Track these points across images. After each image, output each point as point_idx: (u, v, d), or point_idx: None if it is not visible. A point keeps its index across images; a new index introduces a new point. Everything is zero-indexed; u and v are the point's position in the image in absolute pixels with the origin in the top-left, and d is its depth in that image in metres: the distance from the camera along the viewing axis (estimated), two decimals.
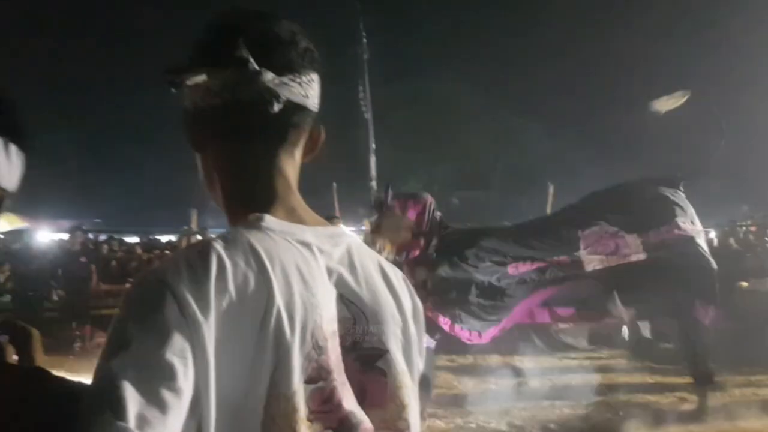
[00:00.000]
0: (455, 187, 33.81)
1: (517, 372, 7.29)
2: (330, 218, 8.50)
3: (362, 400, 0.86)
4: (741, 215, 14.78)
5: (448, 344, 5.97)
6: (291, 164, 0.94)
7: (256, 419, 0.76)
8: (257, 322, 0.77)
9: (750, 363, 7.17)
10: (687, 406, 6.02)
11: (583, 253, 5.23)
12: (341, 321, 0.87)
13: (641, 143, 27.66)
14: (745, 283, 8.47)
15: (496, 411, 5.81)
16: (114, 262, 10.99)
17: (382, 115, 24.13)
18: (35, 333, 4.84)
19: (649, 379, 7.19)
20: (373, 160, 21.39)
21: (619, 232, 5.29)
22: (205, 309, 0.74)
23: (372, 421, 0.86)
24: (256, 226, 0.85)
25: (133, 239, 14.95)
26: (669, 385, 6.83)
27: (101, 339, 8.64)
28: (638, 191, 5.71)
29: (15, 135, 0.88)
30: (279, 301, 0.78)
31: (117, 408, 0.66)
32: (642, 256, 5.26)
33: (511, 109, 31.92)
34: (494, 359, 8.11)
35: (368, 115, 20.99)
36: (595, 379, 6.94)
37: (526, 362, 7.77)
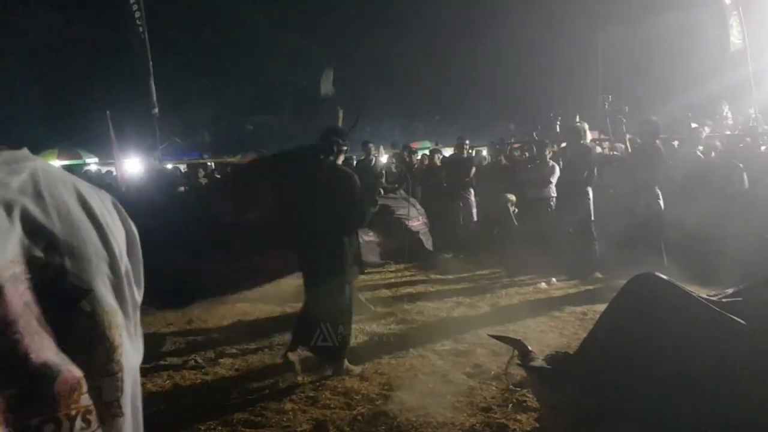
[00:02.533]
0: (249, 113, 33.08)
1: None
2: None
3: (66, 345, 0.78)
4: (509, 134, 16.25)
5: None
6: None
7: None
8: None
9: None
10: (462, 309, 6.62)
11: None
12: (30, 262, 0.76)
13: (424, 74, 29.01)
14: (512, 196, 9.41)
15: None
16: None
17: (164, 36, 22.33)
18: None
19: (431, 288, 7.76)
20: (152, 85, 19.82)
21: None
22: None
23: (80, 366, 0.78)
24: None
25: None
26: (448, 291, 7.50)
27: None
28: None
29: None
30: None
31: None
32: None
33: (301, 33, 31.48)
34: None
35: (145, 35, 19.24)
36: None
37: None
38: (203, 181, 11.79)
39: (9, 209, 0.76)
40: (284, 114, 32.46)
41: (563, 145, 9.85)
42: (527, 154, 11.00)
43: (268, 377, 4.84)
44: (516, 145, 12.56)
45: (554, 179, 8.69)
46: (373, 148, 11.39)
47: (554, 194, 8.72)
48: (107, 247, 0.86)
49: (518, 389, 4.24)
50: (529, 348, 3.61)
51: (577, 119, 9.60)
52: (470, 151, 11.05)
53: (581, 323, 5.88)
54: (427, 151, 13.23)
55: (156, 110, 20.05)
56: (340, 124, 15.33)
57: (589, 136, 8.51)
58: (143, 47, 19.25)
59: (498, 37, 26.92)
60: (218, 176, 13.21)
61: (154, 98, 20.04)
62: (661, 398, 2.70)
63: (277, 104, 33.07)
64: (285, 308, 6.83)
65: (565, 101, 15.46)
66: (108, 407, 0.83)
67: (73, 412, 0.78)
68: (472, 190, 10.24)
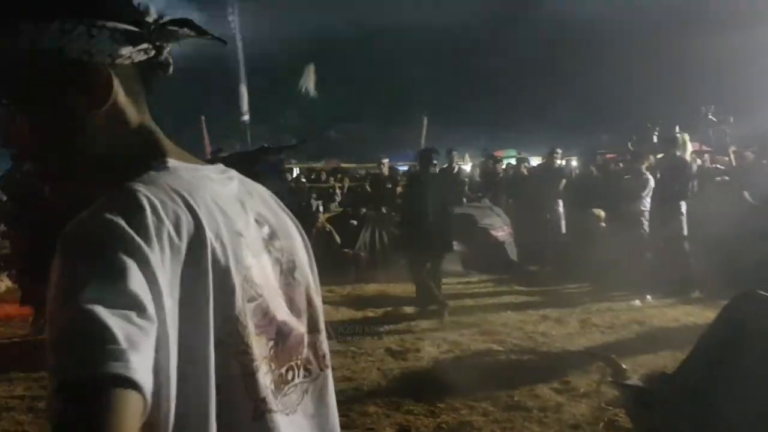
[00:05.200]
0: (333, 120, 33.72)
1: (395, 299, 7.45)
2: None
3: (290, 308, 0.95)
4: (600, 144, 15.75)
5: None
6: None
7: (207, 342, 0.78)
8: (193, 253, 0.78)
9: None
10: (549, 323, 6.42)
11: None
12: (263, 241, 0.94)
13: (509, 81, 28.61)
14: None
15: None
16: None
17: (256, 45, 23.13)
18: None
19: (516, 299, 7.58)
20: (245, 91, 20.53)
21: None
22: (149, 242, 0.73)
23: (300, 326, 0.96)
24: (164, 168, 0.86)
25: None
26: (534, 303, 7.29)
27: None
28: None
29: None
30: (209, 233, 0.80)
31: (106, 335, 0.64)
32: None
33: (386, 40, 31.81)
34: (372, 288, 8.26)
35: (239, 43, 20.01)
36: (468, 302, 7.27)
37: (402, 289, 7.96)
38: (290, 186, 12.05)
39: (240, 202, 0.93)
40: (367, 122, 32.85)
41: (659, 156, 9.42)
42: (621, 164, 10.59)
43: (353, 380, 4.85)
44: (609, 156, 12.14)
45: (647, 192, 8.32)
46: (456, 156, 11.31)
47: (647, 207, 8.35)
48: (298, 231, 1.05)
49: (610, 408, 4.06)
50: (622, 366, 3.47)
51: (677, 130, 9.14)
52: (561, 161, 10.75)
53: (678, 344, 5.57)
54: (512, 160, 13.01)
55: (247, 116, 20.80)
56: (424, 132, 15.38)
57: (689, 147, 8.09)
58: (236, 55, 20.08)
59: (590, 43, 26.26)
60: (303, 180, 13.49)
61: (246, 105, 20.81)
62: (765, 428, 2.52)
63: (360, 111, 33.52)
64: (366, 312, 6.89)
65: (663, 110, 14.81)
66: (321, 360, 1.00)
67: (300, 362, 0.96)
68: (560, 201, 9.94)
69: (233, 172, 0.98)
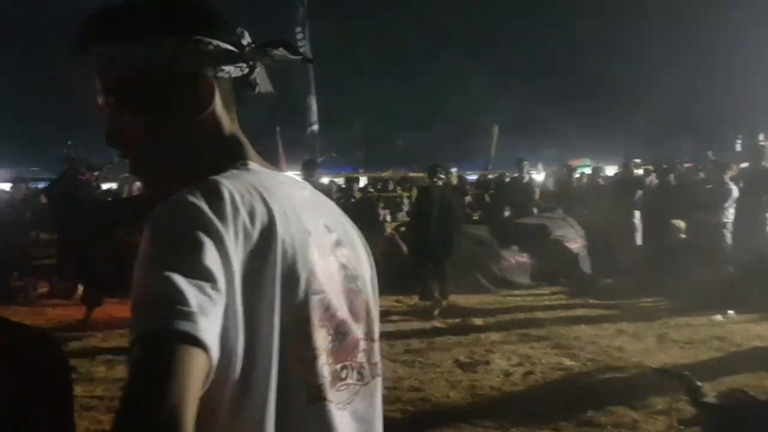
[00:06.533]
0: (400, 129, 33.86)
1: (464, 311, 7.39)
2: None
3: (350, 311, 0.99)
4: (679, 153, 15.17)
5: None
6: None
7: (271, 325, 0.84)
8: (264, 242, 0.84)
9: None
10: (624, 338, 6.21)
11: None
12: (330, 245, 0.99)
13: (582, 85, 27.99)
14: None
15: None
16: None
17: (325, 57, 23.49)
18: None
19: (589, 313, 7.37)
20: (314, 103, 20.89)
21: None
22: (225, 226, 0.81)
23: (357, 331, 1.00)
24: (245, 169, 0.95)
25: None
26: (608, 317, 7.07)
27: (44, 289, 8.60)
28: None
29: None
30: (280, 226, 0.87)
31: (180, 298, 0.72)
32: None
33: (456, 50, 31.71)
34: None
35: (308, 55, 20.37)
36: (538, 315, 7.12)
37: (471, 301, 7.88)
38: (357, 195, 12.14)
39: (310, 207, 0.99)
40: (435, 130, 32.78)
41: (743, 165, 8.99)
42: (702, 174, 10.15)
43: (421, 391, 4.82)
44: (688, 165, 11.66)
45: (730, 203, 7.95)
46: (527, 166, 11.11)
47: (730, 219, 7.98)
48: (364, 247, 1.09)
49: (683, 427, 3.89)
50: (699, 384, 3.32)
51: (761, 138, 8.70)
52: (638, 170, 10.40)
53: (761, 362, 5.30)
54: (587, 170, 12.70)
55: (316, 127, 21.17)
56: (494, 140, 15.20)
57: None
58: (305, 68, 20.45)
59: (667, 48, 25.39)
60: (371, 191, 13.56)
61: (315, 115, 21.19)
62: None
63: (428, 120, 33.48)
64: (434, 323, 6.87)
65: (746, 118, 14.11)
66: (374, 367, 1.03)
67: (354, 365, 0.99)
68: (636, 213, 9.61)
69: (306, 184, 1.07)
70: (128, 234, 5.62)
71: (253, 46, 0.99)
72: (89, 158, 8.65)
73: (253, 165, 0.97)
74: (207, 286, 0.75)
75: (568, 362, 5.50)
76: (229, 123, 1.00)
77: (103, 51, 0.95)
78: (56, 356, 0.76)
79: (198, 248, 0.77)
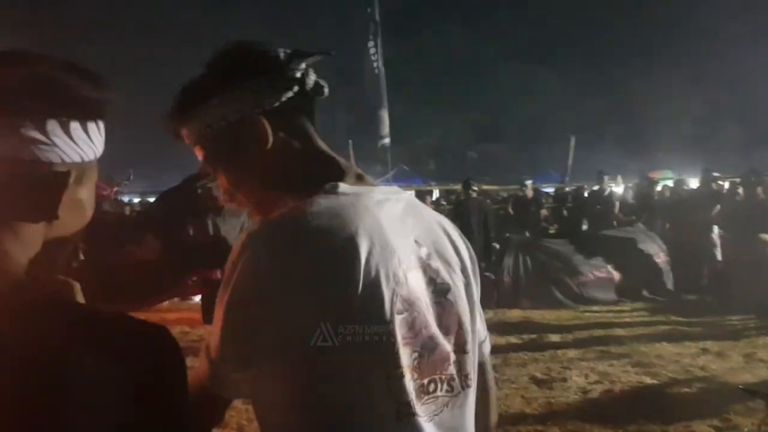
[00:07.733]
0: (472, 140, 33.64)
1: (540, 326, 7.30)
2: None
3: (441, 327, 1.02)
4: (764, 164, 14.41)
5: None
6: None
7: (356, 349, 0.90)
8: (346, 266, 0.91)
9: None
10: (709, 357, 5.99)
11: None
12: (419, 260, 1.02)
13: (661, 96, 27.05)
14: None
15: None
16: None
17: (396, 71, 23.68)
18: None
19: (672, 330, 7.14)
20: (386, 116, 21.08)
21: None
22: (305, 252, 0.90)
23: (447, 344, 1.03)
24: (333, 192, 0.99)
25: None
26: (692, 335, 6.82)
27: None
28: None
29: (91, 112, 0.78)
30: (362, 251, 0.91)
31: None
32: None
33: (527, 61, 31.36)
34: (515, 313, 8.14)
35: (379, 70, 20.59)
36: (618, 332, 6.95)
37: (547, 316, 7.77)
38: (430, 207, 12.12)
39: (402, 223, 1.03)
40: (508, 142, 32.42)
41: None
42: None
43: None
44: None
45: None
46: (607, 178, 10.88)
47: None
48: (459, 256, 1.11)
49: None
50: None
51: None
52: (723, 183, 9.98)
53: None
54: (669, 182, 12.29)
55: (387, 140, 21.36)
56: (571, 153, 14.92)
57: None
58: (378, 81, 20.71)
59: (747, 53, 24.25)
60: (443, 203, 13.55)
61: (386, 128, 21.39)
62: None
63: (500, 132, 33.13)
64: (509, 338, 6.81)
65: None
66: (465, 378, 1.05)
67: (444, 377, 1.02)
68: (715, 228, 9.24)
69: (404, 194, 1.11)
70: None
71: (292, 65, 1.03)
72: (110, 174, 8.52)
73: (343, 187, 1.00)
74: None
75: (648, 380, 5.36)
76: (301, 140, 1.06)
77: (183, 134, 1.07)
78: (173, 352, 0.75)
79: (276, 273, 0.90)
